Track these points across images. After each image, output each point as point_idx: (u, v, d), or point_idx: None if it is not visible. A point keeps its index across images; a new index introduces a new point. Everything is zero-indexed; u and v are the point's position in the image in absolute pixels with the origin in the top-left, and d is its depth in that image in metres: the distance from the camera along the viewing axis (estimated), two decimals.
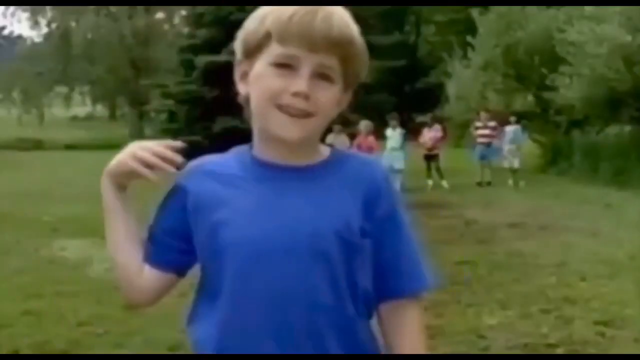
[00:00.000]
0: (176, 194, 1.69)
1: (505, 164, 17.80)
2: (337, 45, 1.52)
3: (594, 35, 16.73)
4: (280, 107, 1.51)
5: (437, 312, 6.27)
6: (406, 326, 1.70)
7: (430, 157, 17.75)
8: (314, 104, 1.51)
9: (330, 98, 1.55)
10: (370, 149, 16.84)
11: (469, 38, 23.04)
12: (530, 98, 23.98)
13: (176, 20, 45.13)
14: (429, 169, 17.70)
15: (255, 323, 1.53)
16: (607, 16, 16.79)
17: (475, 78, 23.19)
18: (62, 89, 49.53)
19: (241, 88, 1.61)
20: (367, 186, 1.63)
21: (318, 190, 1.58)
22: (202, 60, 21.92)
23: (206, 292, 1.63)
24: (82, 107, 54.65)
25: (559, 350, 5.25)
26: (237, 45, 1.61)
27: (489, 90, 23.63)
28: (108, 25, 41.79)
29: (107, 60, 42.61)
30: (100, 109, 57.34)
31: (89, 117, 55.10)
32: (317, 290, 1.54)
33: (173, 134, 24.11)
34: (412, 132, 19.98)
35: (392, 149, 16.67)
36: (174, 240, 1.69)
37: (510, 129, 18.11)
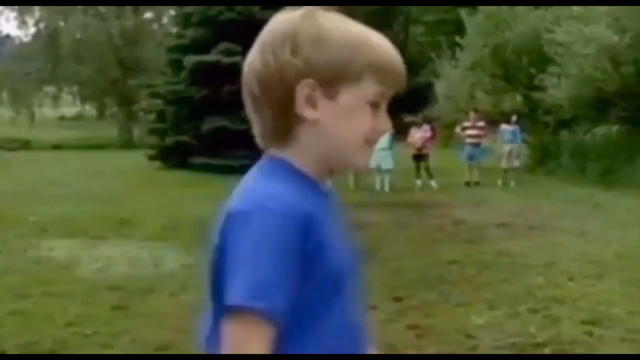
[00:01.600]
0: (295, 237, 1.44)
1: (504, 164, 17.78)
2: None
3: (581, 36, 16.80)
4: (369, 144, 1.53)
5: (426, 311, 6.29)
6: None
7: (420, 157, 17.75)
8: None
9: None
10: None
11: (457, 38, 23.10)
12: (518, 98, 24.06)
13: (165, 20, 45.01)
14: (418, 169, 17.70)
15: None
16: (595, 17, 16.87)
17: (464, 78, 23.27)
18: (51, 89, 49.35)
19: (309, 113, 1.48)
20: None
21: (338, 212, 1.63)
22: (190, 60, 21.86)
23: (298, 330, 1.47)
24: (70, 107, 54.48)
25: (547, 350, 5.27)
26: (298, 65, 1.46)
27: (477, 90, 23.72)
28: (96, 25, 41.61)
29: (95, 60, 42.46)
30: (89, 109, 57.17)
31: (78, 117, 54.95)
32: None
33: (161, 134, 24.07)
34: (401, 132, 19.99)
35: (380, 149, 16.65)
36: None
37: (508, 128, 18.08)
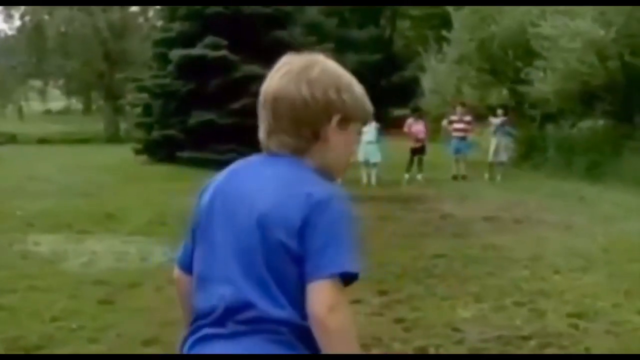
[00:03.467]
0: None
1: (490, 158, 17.79)
2: None
3: (567, 30, 16.85)
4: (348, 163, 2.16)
5: (413, 305, 6.31)
6: None
7: (417, 150, 17.74)
8: None
9: None
10: None
11: (444, 32, 23.12)
12: (504, 92, 24.11)
13: (150, 13, 44.81)
14: (411, 163, 17.67)
15: None
16: (581, 11, 16.90)
17: (450, 72, 23.32)
18: (37, 83, 49.06)
19: (330, 139, 2.00)
20: None
21: None
22: (176, 53, 21.76)
23: None
24: (56, 101, 54.20)
25: (533, 343, 5.30)
26: (337, 104, 1.98)
27: (464, 84, 23.76)
28: (82, 18, 41.32)
29: (81, 54, 42.17)
30: (75, 103, 56.88)
31: (64, 111, 54.66)
32: None
33: (148, 128, 23.99)
34: (388, 126, 20.00)
35: (367, 143, 16.69)
36: None
37: (496, 121, 18.09)
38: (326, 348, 1.79)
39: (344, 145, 2.05)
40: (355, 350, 1.82)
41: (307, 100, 1.94)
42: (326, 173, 2.02)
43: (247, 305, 1.84)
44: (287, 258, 1.82)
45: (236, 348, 1.83)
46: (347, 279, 1.85)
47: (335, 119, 1.97)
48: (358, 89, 2.05)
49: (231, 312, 1.85)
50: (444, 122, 18.87)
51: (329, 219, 1.86)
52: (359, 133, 2.18)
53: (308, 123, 1.96)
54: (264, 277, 1.84)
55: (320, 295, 1.79)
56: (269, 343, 1.82)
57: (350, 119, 2.02)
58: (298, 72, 1.96)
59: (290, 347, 1.82)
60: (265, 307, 1.82)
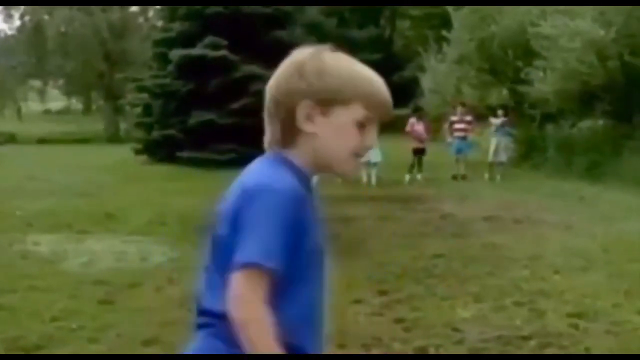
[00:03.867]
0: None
1: (490, 158, 17.79)
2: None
3: (567, 30, 16.84)
4: (355, 156, 1.96)
5: (413, 305, 6.30)
6: None
7: (420, 151, 17.74)
8: None
9: None
10: None
11: (444, 32, 23.11)
12: (504, 92, 24.10)
13: (150, 13, 44.82)
14: (413, 164, 17.66)
15: (319, 322, 1.98)
16: (581, 11, 16.90)
17: (450, 72, 23.30)
18: (36, 83, 49.08)
19: (308, 127, 1.92)
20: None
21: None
22: (176, 53, 21.77)
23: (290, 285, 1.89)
24: (56, 101, 54.18)
25: (533, 343, 5.29)
26: (305, 90, 1.91)
27: (463, 84, 23.75)
28: (82, 18, 41.33)
29: (81, 54, 42.18)
30: (75, 103, 56.87)
31: (64, 111, 54.65)
32: None
33: (148, 128, 23.99)
34: (388, 125, 19.94)
35: None
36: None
37: (497, 122, 18.08)
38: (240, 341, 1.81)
39: (335, 132, 1.92)
40: (263, 345, 1.77)
41: (272, 92, 1.94)
42: (324, 167, 1.96)
43: (197, 299, 1.95)
44: (227, 251, 1.82)
45: (192, 342, 1.94)
46: (265, 270, 1.78)
47: (304, 105, 1.90)
48: (341, 71, 1.92)
49: (196, 304, 1.97)
50: (446, 126, 18.86)
51: (252, 210, 1.80)
52: (367, 120, 1.94)
53: (280, 114, 1.92)
54: (212, 270, 1.92)
55: (230, 287, 1.78)
56: (208, 337, 1.89)
57: (329, 102, 1.90)
58: (279, 66, 1.97)
59: (226, 341, 1.83)
60: (206, 300, 1.92)
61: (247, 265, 1.77)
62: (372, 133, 1.96)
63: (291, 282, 1.85)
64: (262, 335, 1.77)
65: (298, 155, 1.93)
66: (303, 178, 1.92)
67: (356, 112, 1.91)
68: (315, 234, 1.91)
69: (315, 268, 1.93)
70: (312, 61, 1.92)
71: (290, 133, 1.92)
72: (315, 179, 2.08)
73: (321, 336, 1.98)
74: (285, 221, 1.80)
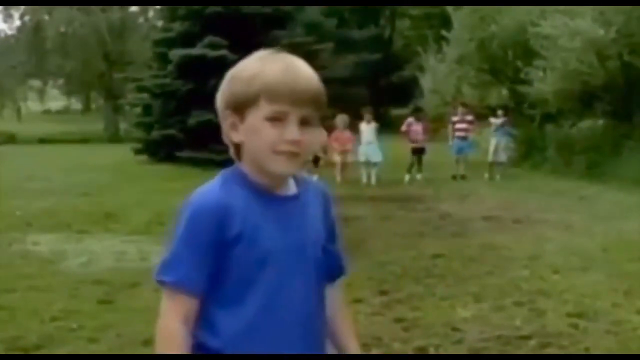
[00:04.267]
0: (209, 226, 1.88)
1: (490, 158, 17.78)
2: (315, 99, 1.89)
3: (567, 29, 16.84)
4: (278, 152, 1.86)
5: (412, 305, 6.30)
6: (340, 299, 2.17)
7: (419, 151, 17.74)
8: (302, 147, 1.87)
9: (314, 139, 1.94)
10: (346, 143, 16.93)
11: (443, 32, 23.11)
12: (504, 92, 24.10)
13: (150, 13, 44.82)
14: (412, 163, 17.65)
15: (283, 319, 1.89)
16: (580, 10, 16.90)
17: (450, 72, 23.30)
18: (36, 83, 49.08)
19: (234, 136, 1.92)
20: (324, 200, 2.07)
21: (305, 211, 1.98)
22: (176, 53, 21.77)
23: (230, 299, 1.88)
24: (56, 101, 54.20)
25: (532, 342, 5.29)
26: (224, 100, 1.93)
27: (463, 84, 23.75)
28: (81, 18, 41.34)
29: (81, 54, 42.17)
30: (75, 103, 56.88)
31: (63, 111, 54.67)
32: (319, 291, 1.99)
33: (147, 128, 23.99)
34: (387, 125, 19.99)
35: (367, 143, 16.74)
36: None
37: (497, 122, 18.08)
38: None
39: (251, 135, 1.88)
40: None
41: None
42: (263, 172, 1.90)
43: None
44: None
45: None
46: (171, 286, 1.87)
47: (226, 116, 1.92)
48: (244, 72, 1.90)
49: None
50: (450, 128, 18.81)
51: (176, 226, 1.88)
52: (279, 114, 1.85)
53: (223, 129, 1.95)
54: None
55: None
56: None
57: (241, 107, 1.88)
58: None
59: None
60: None
61: (157, 282, 1.89)
62: (291, 125, 1.85)
63: (233, 294, 1.87)
64: (164, 350, 1.86)
65: (246, 165, 1.93)
66: (255, 188, 1.90)
67: (263, 108, 1.85)
68: (262, 242, 1.86)
69: (266, 276, 1.87)
70: (231, 70, 1.94)
71: (234, 145, 1.95)
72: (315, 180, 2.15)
73: (302, 341, 1.92)
74: (195, 233, 1.84)
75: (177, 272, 1.85)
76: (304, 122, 1.87)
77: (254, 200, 1.89)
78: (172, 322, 1.85)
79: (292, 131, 1.85)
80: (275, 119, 1.85)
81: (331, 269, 2.06)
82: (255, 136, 1.87)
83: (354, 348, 2.14)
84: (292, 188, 1.99)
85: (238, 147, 1.93)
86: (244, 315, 1.86)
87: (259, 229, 1.86)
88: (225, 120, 1.93)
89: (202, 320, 1.87)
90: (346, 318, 2.18)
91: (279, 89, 1.83)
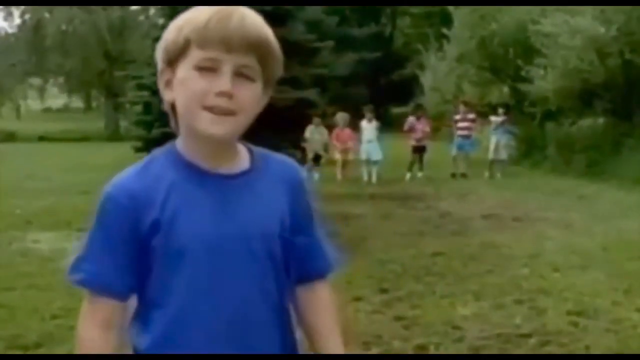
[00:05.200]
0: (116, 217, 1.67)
1: (491, 156, 17.79)
2: (254, 45, 1.61)
3: (567, 27, 16.82)
4: (207, 108, 1.59)
5: (412, 303, 6.30)
6: (322, 302, 1.84)
7: (421, 149, 17.74)
8: (237, 103, 1.60)
9: (252, 96, 1.64)
10: (347, 141, 16.94)
11: (444, 30, 23.11)
12: (505, 90, 24.10)
13: (151, 11, 44.76)
14: (413, 162, 17.65)
15: (208, 321, 1.63)
16: (581, 8, 16.88)
17: (451, 70, 23.31)
18: (36, 81, 49.04)
19: (167, 95, 1.68)
20: (290, 184, 1.76)
21: (256, 195, 1.69)
22: None
23: (153, 298, 1.67)
24: (56, 99, 54.17)
25: (532, 340, 5.29)
26: (158, 54, 1.68)
27: (464, 82, 23.75)
28: (82, 16, 41.31)
29: (81, 52, 42.11)
30: (75, 101, 56.84)
31: (64, 109, 54.63)
32: (269, 290, 1.69)
33: (148, 126, 23.93)
34: (388, 124, 19.96)
35: (367, 141, 16.74)
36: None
37: (497, 120, 18.09)
38: None
39: (180, 87, 1.62)
40: None
41: None
42: (192, 135, 1.65)
43: None
44: None
45: None
46: (80, 283, 1.70)
47: (160, 72, 1.71)
48: (177, 21, 1.67)
49: None
50: (453, 127, 18.79)
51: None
52: (209, 62, 1.59)
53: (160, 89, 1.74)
54: None
55: None
56: None
57: (173, 59, 1.64)
58: None
59: None
60: None
61: (70, 282, 1.72)
62: (223, 75, 1.58)
63: (156, 288, 1.65)
64: (81, 351, 1.71)
65: (181, 135, 1.70)
66: (188, 165, 1.66)
67: (193, 56, 1.60)
68: (182, 231, 1.61)
69: (187, 270, 1.61)
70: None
71: (170, 109, 1.70)
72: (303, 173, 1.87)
73: (229, 347, 1.65)
74: (104, 226, 1.66)
75: (81, 269, 1.68)
76: (240, 74, 1.60)
77: (183, 180, 1.64)
78: (88, 327, 1.70)
79: (221, 82, 1.58)
80: (206, 69, 1.59)
81: (302, 266, 1.77)
82: (183, 88, 1.62)
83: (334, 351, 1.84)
84: (241, 166, 1.71)
85: (173, 114, 1.69)
86: (165, 316, 1.64)
87: (180, 215, 1.61)
88: (161, 78, 1.70)
89: (135, 320, 1.70)
90: (330, 323, 1.85)
91: (208, 30, 1.58)
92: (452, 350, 5.16)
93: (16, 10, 45.58)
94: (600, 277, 7.23)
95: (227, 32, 1.58)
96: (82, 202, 12.85)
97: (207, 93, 1.58)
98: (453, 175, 17.59)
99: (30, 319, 5.86)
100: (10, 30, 48.47)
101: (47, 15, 43.23)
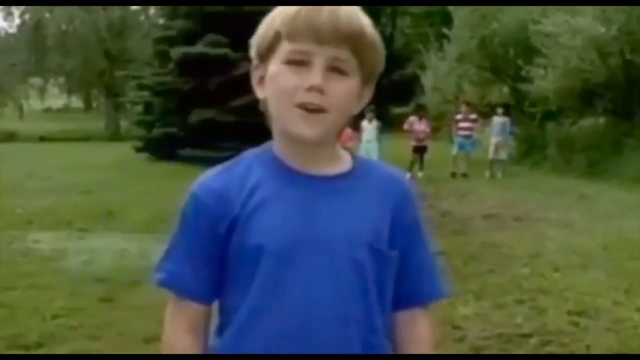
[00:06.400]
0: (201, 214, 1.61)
1: (491, 156, 17.80)
2: (347, 37, 1.51)
3: (568, 27, 16.82)
4: (297, 105, 1.50)
5: None
6: (421, 334, 1.73)
7: (421, 149, 17.75)
8: (328, 99, 1.50)
9: (346, 91, 1.53)
10: (347, 141, 16.93)
11: (444, 30, 23.10)
12: (505, 90, 24.09)
13: (151, 11, 44.75)
14: (414, 161, 17.65)
15: (281, 327, 1.54)
16: (582, 8, 16.88)
17: (451, 70, 23.29)
18: (36, 81, 49.03)
19: (259, 92, 1.60)
20: (395, 198, 1.63)
21: (348, 201, 1.58)
22: (177, 51, 21.75)
23: (227, 301, 1.61)
24: (56, 99, 54.16)
25: (533, 340, 5.29)
26: (252, 51, 1.61)
27: (464, 82, 23.74)
28: (82, 16, 41.31)
29: (81, 52, 42.11)
30: (75, 101, 56.82)
31: (64, 109, 54.61)
32: (350, 301, 1.55)
33: (148, 126, 23.97)
34: (389, 124, 19.96)
35: (367, 141, 16.74)
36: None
37: (498, 120, 18.11)
38: None
39: (272, 83, 1.54)
40: None
41: None
42: (286, 137, 1.56)
43: None
44: None
45: None
46: (168, 286, 1.61)
47: (253, 69, 1.62)
48: (267, 17, 1.59)
49: None
50: (454, 127, 18.81)
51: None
52: (298, 54, 1.50)
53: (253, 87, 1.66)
54: None
55: None
56: None
57: (265, 55, 1.57)
58: None
59: None
60: None
61: (162, 286, 1.63)
62: (315, 69, 1.49)
63: (234, 291, 1.58)
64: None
65: (274, 134, 1.62)
66: (278, 164, 1.59)
67: (283, 50, 1.52)
68: (259, 229, 1.53)
69: (263, 270, 1.53)
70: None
71: (266, 113, 1.61)
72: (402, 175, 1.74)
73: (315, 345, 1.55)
74: (186, 226, 1.61)
75: (164, 268, 1.61)
76: (334, 68, 1.51)
77: (270, 178, 1.57)
78: (178, 334, 1.59)
79: (312, 76, 1.49)
80: (297, 63, 1.51)
81: (402, 288, 1.65)
82: (273, 84, 1.54)
83: None
84: (338, 170, 1.61)
85: (267, 115, 1.61)
86: (237, 319, 1.56)
87: (259, 211, 1.53)
88: (254, 75, 1.62)
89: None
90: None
91: (297, 21, 1.49)
92: (453, 350, 5.16)
93: (16, 10, 45.59)
94: (601, 277, 7.24)
95: (317, 22, 1.48)
96: (83, 202, 12.89)
97: (297, 88, 1.49)
98: (453, 175, 17.60)
99: (31, 318, 5.87)
100: (10, 30, 48.51)
101: (47, 15, 43.20)
